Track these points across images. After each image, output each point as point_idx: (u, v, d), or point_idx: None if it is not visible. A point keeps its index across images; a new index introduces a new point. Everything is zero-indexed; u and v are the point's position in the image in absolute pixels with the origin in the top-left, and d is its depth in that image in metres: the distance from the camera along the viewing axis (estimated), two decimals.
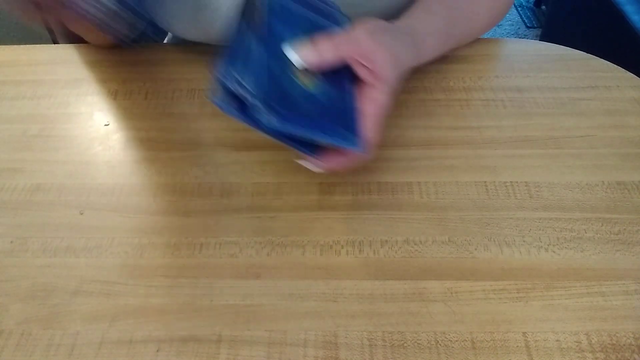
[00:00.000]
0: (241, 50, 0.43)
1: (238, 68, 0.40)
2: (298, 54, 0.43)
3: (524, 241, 0.43)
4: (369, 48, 0.43)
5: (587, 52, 0.61)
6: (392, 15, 0.53)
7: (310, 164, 0.45)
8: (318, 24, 0.47)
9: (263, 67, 0.41)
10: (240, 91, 0.39)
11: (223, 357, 0.37)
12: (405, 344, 0.37)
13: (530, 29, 2.13)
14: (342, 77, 0.45)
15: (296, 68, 0.43)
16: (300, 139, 0.41)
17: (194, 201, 0.47)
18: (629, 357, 0.37)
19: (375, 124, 0.43)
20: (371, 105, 0.43)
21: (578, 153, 0.50)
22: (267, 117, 0.38)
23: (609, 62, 0.60)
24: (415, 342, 0.38)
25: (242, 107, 0.40)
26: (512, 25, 2.16)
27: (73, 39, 0.62)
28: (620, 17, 1.19)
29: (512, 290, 0.40)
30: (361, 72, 0.44)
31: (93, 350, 0.38)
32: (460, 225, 0.45)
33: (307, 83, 0.43)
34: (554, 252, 0.43)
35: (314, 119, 0.41)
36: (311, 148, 0.43)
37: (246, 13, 0.46)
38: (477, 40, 0.62)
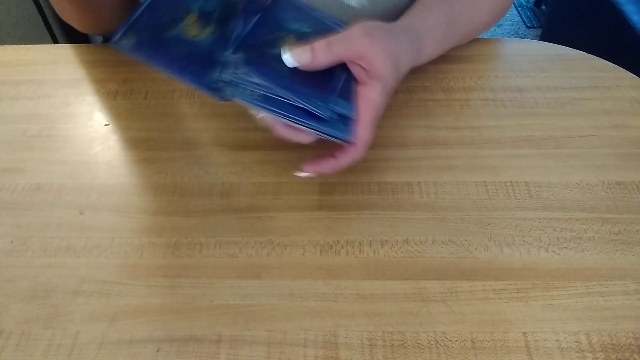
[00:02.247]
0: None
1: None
2: (292, 55, 0.42)
3: (524, 241, 0.43)
4: (363, 46, 0.43)
5: (587, 52, 0.61)
6: (393, 19, 0.53)
7: (308, 172, 0.45)
8: (321, 21, 0.48)
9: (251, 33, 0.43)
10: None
11: (223, 357, 0.37)
12: (405, 344, 0.37)
13: (530, 29, 2.13)
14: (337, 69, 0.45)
15: (286, 42, 0.43)
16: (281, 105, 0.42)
17: (194, 201, 0.47)
18: (629, 357, 0.37)
19: (369, 122, 0.43)
20: (365, 104, 0.43)
21: (578, 153, 0.50)
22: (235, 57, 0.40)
23: (609, 62, 0.60)
24: (415, 342, 0.38)
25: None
26: (512, 25, 2.16)
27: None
28: (620, 17, 1.19)
29: (512, 290, 0.40)
30: (356, 71, 0.44)
31: (93, 350, 0.38)
32: (460, 225, 0.45)
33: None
34: (554, 252, 0.43)
35: (287, 79, 0.41)
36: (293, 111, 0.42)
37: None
38: (477, 40, 0.62)
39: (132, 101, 0.57)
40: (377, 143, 0.51)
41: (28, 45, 0.64)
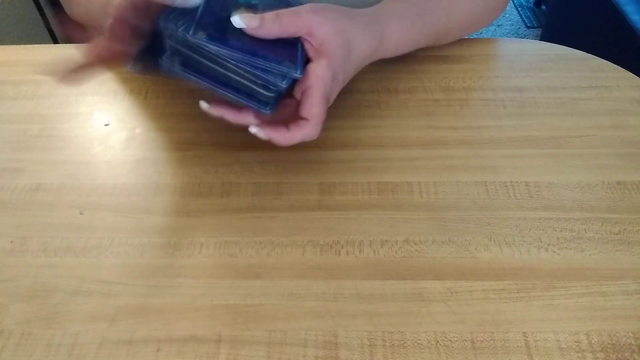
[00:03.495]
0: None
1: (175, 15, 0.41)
2: (240, 17, 0.42)
3: (524, 241, 0.43)
4: (312, 22, 0.43)
5: (587, 52, 0.61)
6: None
7: (260, 132, 0.44)
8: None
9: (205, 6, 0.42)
10: (170, 27, 0.40)
11: (223, 357, 0.37)
12: (405, 344, 0.37)
13: (530, 29, 2.13)
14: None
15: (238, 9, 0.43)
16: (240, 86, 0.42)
17: (194, 201, 0.47)
18: (629, 357, 0.37)
19: (317, 98, 0.43)
20: (312, 80, 0.43)
21: (578, 153, 0.50)
22: (195, 31, 0.39)
23: (609, 62, 0.60)
24: (415, 342, 0.38)
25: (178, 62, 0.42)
26: (512, 25, 2.16)
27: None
28: (620, 17, 1.19)
29: (512, 290, 0.40)
30: (307, 48, 0.44)
31: (93, 350, 0.38)
32: (460, 225, 0.45)
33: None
34: (554, 252, 0.43)
35: (249, 45, 0.41)
36: (251, 98, 0.43)
37: None
38: (477, 40, 0.62)
39: (132, 101, 0.57)
40: (377, 143, 0.51)
41: (28, 45, 0.64)
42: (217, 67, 0.42)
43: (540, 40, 0.70)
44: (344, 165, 0.49)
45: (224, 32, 0.42)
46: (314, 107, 0.43)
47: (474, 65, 0.59)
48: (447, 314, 0.39)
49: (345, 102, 0.55)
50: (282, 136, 0.44)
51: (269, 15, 0.43)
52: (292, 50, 0.43)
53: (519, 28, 2.16)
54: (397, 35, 0.51)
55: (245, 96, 0.42)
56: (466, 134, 0.52)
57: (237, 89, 0.42)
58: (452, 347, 0.37)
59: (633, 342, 0.37)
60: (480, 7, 0.57)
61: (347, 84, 0.59)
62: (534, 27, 2.14)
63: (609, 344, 0.37)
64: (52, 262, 0.43)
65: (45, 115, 0.55)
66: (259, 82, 0.42)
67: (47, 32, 1.39)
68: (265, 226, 0.45)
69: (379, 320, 0.39)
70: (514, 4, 2.26)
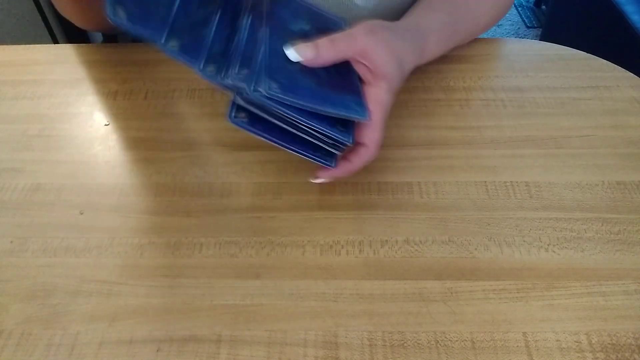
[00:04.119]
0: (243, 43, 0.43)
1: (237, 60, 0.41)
2: (296, 50, 0.42)
3: (524, 241, 0.43)
4: (367, 46, 0.43)
5: (587, 52, 0.61)
6: (395, 18, 0.53)
7: (322, 178, 0.45)
8: (321, 16, 0.47)
9: (265, 48, 0.41)
10: (238, 80, 0.39)
11: (223, 357, 0.37)
12: (405, 344, 0.37)
13: (530, 29, 2.13)
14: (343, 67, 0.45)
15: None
16: (308, 136, 0.42)
17: (194, 201, 0.47)
18: (629, 357, 0.37)
19: (378, 123, 0.43)
20: (373, 105, 0.43)
21: (578, 153, 0.50)
22: (269, 84, 0.38)
23: (609, 62, 0.60)
24: (415, 342, 0.38)
25: (253, 120, 0.41)
26: (512, 25, 2.16)
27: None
28: (620, 17, 1.19)
29: (512, 290, 0.40)
30: (361, 71, 0.44)
31: (93, 350, 0.38)
32: (460, 225, 0.45)
33: None
34: (554, 252, 0.43)
35: (317, 89, 0.41)
36: (317, 151, 0.44)
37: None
38: (477, 40, 0.62)
39: (132, 101, 0.57)
40: None
41: (28, 45, 0.64)
42: (285, 126, 0.42)
43: (540, 40, 0.70)
44: None
45: (291, 76, 0.41)
46: (375, 132, 0.43)
47: (474, 65, 0.59)
48: (447, 314, 0.39)
49: None
50: (345, 170, 0.44)
51: (324, 42, 0.42)
52: (351, 80, 0.44)
53: (519, 28, 2.15)
54: (435, 47, 0.52)
55: (312, 152, 0.43)
56: (466, 134, 0.52)
57: (304, 145, 0.43)
58: (452, 347, 0.37)
59: (633, 342, 0.37)
60: (496, 9, 0.59)
61: None
62: (534, 27, 2.14)
63: (609, 344, 0.37)
64: (52, 262, 0.43)
65: (45, 115, 0.55)
66: (329, 142, 0.42)
67: (47, 32, 1.39)
68: (265, 226, 0.45)
69: (379, 320, 0.39)
70: (514, 4, 2.26)
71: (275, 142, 0.42)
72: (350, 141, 0.42)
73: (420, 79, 0.57)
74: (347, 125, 0.43)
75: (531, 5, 2.25)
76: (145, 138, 0.53)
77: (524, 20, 2.18)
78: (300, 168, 0.49)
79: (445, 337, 0.38)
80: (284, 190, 0.48)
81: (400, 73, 0.45)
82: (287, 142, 0.42)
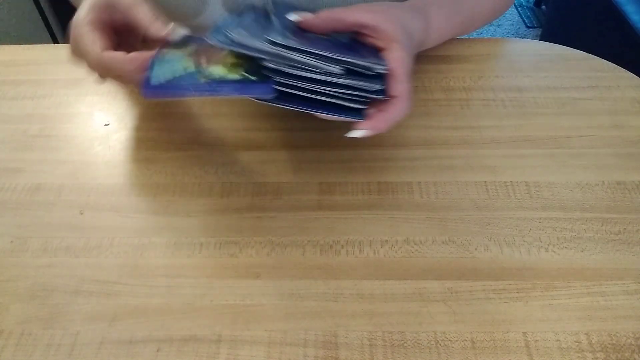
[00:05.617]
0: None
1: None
2: (298, 15, 0.44)
3: (524, 241, 0.43)
4: (366, 14, 0.44)
5: (587, 52, 0.61)
6: None
7: (359, 131, 0.43)
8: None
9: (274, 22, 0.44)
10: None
11: (223, 357, 0.37)
12: (405, 344, 0.37)
13: (530, 29, 2.13)
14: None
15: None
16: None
17: (194, 201, 0.47)
18: (629, 357, 0.37)
19: (403, 75, 0.43)
20: (394, 62, 0.43)
21: (578, 153, 0.50)
22: (283, 34, 0.40)
23: (609, 62, 0.60)
24: (415, 342, 0.38)
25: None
26: (512, 25, 2.16)
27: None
28: (620, 17, 1.19)
29: (512, 290, 0.40)
30: (371, 43, 0.45)
31: (93, 350, 0.38)
32: (460, 225, 0.45)
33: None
34: (554, 252, 0.43)
35: (332, 47, 0.42)
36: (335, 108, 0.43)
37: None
38: (477, 40, 0.62)
39: (132, 101, 0.57)
40: (377, 143, 0.51)
41: (28, 45, 0.64)
42: (308, 94, 0.42)
43: (540, 40, 0.70)
44: (344, 165, 0.49)
45: (304, 37, 0.43)
46: (401, 83, 0.43)
47: (474, 65, 0.59)
48: (447, 314, 0.39)
49: None
50: (381, 119, 0.43)
51: (327, 14, 0.45)
52: (366, 48, 0.44)
53: (519, 28, 2.16)
54: (438, 22, 0.53)
55: (339, 112, 0.43)
56: (466, 134, 0.52)
57: (331, 108, 0.43)
58: (452, 347, 0.37)
59: (633, 342, 0.37)
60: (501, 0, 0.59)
61: None
62: (534, 27, 2.14)
63: (609, 344, 0.37)
64: (52, 262, 0.43)
65: (45, 115, 0.55)
66: (348, 97, 0.42)
67: (47, 32, 1.39)
68: (265, 226, 0.45)
69: (379, 320, 0.39)
70: (514, 4, 2.26)
71: (304, 110, 0.42)
72: (384, 66, 0.43)
73: (421, 79, 0.57)
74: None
75: (531, 5, 2.25)
76: (145, 138, 0.53)
77: (524, 20, 2.18)
78: (300, 168, 0.49)
79: (445, 337, 0.38)
80: (284, 190, 0.48)
81: (409, 40, 0.46)
82: (315, 108, 0.42)
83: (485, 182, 0.48)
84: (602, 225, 0.44)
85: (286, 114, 0.54)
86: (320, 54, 0.41)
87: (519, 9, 2.23)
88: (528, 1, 2.27)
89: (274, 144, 0.51)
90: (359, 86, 0.42)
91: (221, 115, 0.55)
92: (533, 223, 0.45)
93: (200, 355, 0.37)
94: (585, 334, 0.38)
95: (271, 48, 0.40)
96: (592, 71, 0.59)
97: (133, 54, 0.44)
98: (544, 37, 1.67)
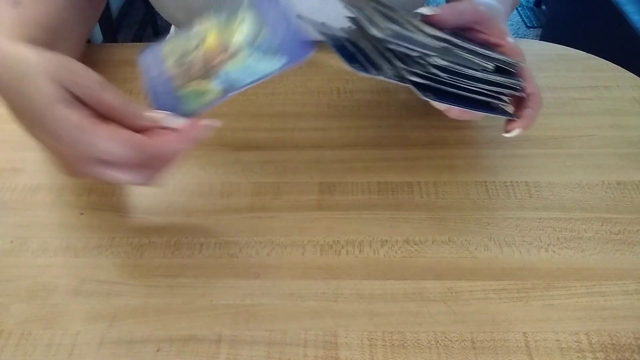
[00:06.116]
0: None
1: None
2: (429, 9, 0.42)
3: (524, 241, 0.43)
4: (486, 14, 0.44)
5: (587, 52, 0.61)
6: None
7: (516, 130, 0.44)
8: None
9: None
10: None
11: (223, 357, 0.37)
12: (405, 344, 0.37)
13: (530, 29, 2.14)
14: None
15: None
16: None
17: (194, 201, 0.47)
18: (629, 357, 0.37)
19: (529, 71, 0.44)
20: (516, 56, 0.43)
21: (578, 153, 0.50)
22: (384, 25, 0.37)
23: (609, 62, 0.60)
24: (415, 342, 0.38)
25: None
26: (512, 25, 2.16)
27: None
28: (620, 17, 1.19)
29: (512, 290, 0.40)
30: (480, 39, 0.44)
31: (93, 350, 0.38)
32: (460, 225, 0.45)
33: None
34: (554, 252, 0.43)
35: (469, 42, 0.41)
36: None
37: None
38: None
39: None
40: (377, 143, 0.51)
41: None
42: (457, 90, 0.41)
43: (540, 40, 0.70)
44: (344, 165, 0.49)
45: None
46: (532, 78, 0.44)
47: None
48: (447, 314, 0.39)
49: (345, 102, 0.55)
50: (531, 117, 0.44)
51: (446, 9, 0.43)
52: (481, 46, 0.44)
53: (519, 28, 2.16)
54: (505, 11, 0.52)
55: (490, 111, 0.43)
56: (466, 134, 0.52)
57: (481, 106, 0.43)
58: (452, 347, 0.37)
59: (633, 342, 0.37)
60: None
61: (347, 83, 0.59)
62: (534, 27, 2.14)
63: (609, 344, 0.37)
64: (52, 262, 0.43)
65: None
66: (494, 95, 0.42)
67: None
68: (265, 226, 0.45)
69: (379, 320, 0.39)
70: None
71: (459, 107, 0.41)
72: (522, 63, 0.43)
73: None
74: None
75: (531, 5, 2.25)
76: None
77: (524, 20, 2.18)
78: (301, 168, 0.49)
79: (445, 337, 0.38)
80: (284, 190, 0.48)
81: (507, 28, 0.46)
82: (470, 106, 0.42)
83: (485, 182, 0.48)
84: (602, 225, 0.44)
85: (286, 114, 0.54)
86: (476, 51, 0.40)
87: (519, 9, 2.23)
88: (528, 1, 2.27)
89: (274, 144, 0.51)
90: (509, 84, 0.42)
91: (221, 115, 0.54)
92: (533, 223, 0.45)
93: (200, 355, 0.37)
94: (585, 334, 0.38)
95: (437, 43, 0.38)
96: (592, 71, 0.59)
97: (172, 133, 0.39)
98: (544, 37, 1.67)
